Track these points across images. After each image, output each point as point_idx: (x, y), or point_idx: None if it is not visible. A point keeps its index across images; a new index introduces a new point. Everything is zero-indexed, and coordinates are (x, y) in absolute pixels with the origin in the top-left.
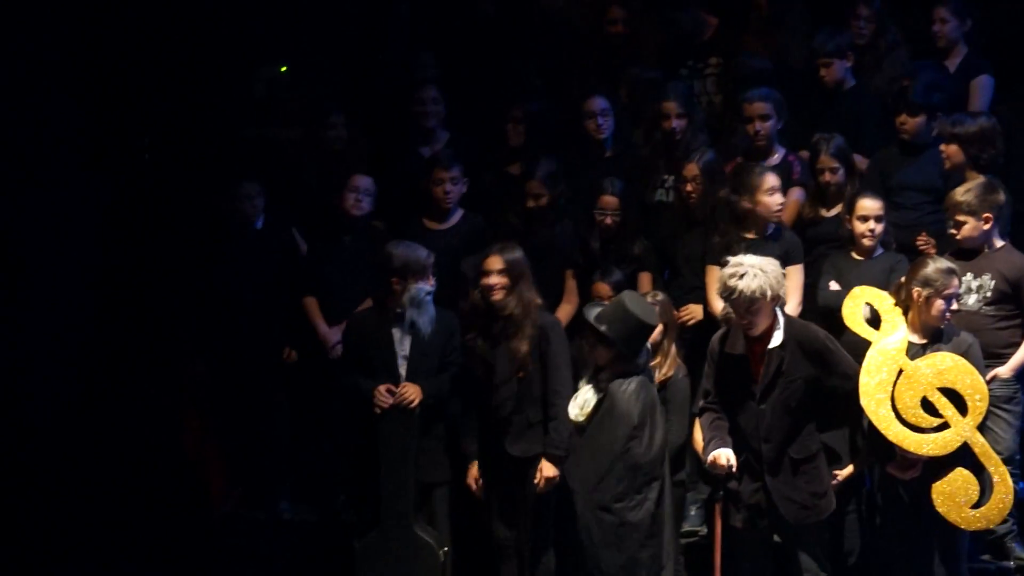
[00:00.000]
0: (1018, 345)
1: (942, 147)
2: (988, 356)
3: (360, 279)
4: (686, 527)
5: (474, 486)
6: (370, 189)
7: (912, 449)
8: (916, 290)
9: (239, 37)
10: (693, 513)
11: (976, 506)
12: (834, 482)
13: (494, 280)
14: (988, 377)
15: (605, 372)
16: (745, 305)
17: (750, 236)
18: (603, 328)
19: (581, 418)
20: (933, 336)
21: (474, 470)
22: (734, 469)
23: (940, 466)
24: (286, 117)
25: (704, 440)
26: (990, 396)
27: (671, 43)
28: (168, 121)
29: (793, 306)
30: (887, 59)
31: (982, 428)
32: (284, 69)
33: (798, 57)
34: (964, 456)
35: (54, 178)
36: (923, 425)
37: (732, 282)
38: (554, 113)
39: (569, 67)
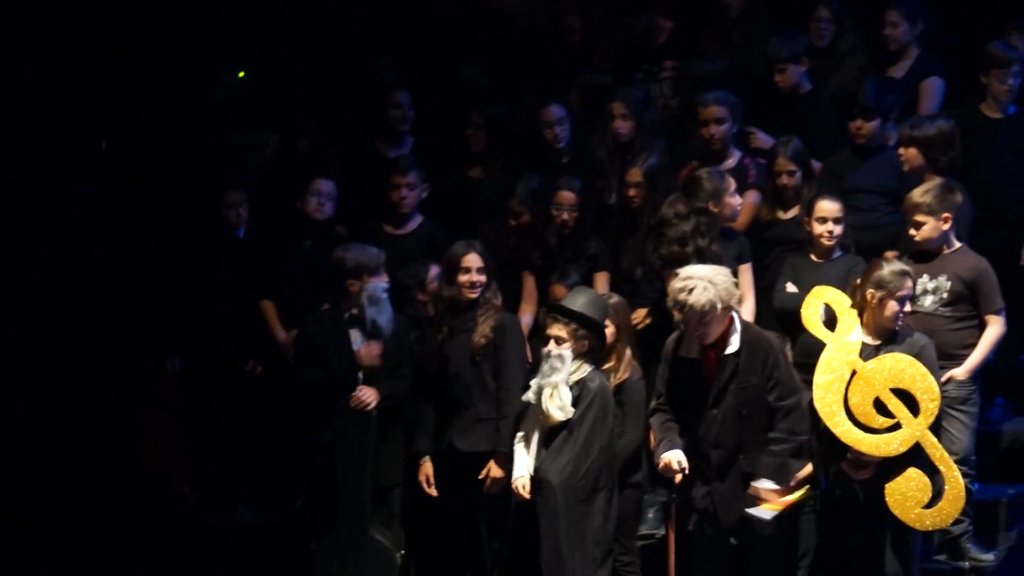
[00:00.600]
0: (974, 346)
1: (901, 151)
2: (944, 357)
3: (322, 283)
4: (643, 530)
5: (425, 484)
6: (332, 193)
7: (864, 450)
8: (870, 292)
9: (198, 43)
10: (651, 516)
11: (928, 506)
12: (791, 483)
13: (475, 277)
14: (944, 378)
15: (578, 364)
16: (696, 318)
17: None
18: (591, 314)
19: (568, 414)
20: (887, 337)
21: (426, 468)
22: (685, 471)
23: (893, 466)
24: (246, 122)
25: (655, 442)
26: (946, 397)
27: (626, 47)
28: (128, 126)
29: (748, 307)
30: (846, 61)
31: (937, 429)
32: (242, 75)
33: (757, 60)
34: (917, 457)
35: (29, 182)
36: (875, 426)
37: (682, 296)
38: (512, 118)
39: (526, 72)
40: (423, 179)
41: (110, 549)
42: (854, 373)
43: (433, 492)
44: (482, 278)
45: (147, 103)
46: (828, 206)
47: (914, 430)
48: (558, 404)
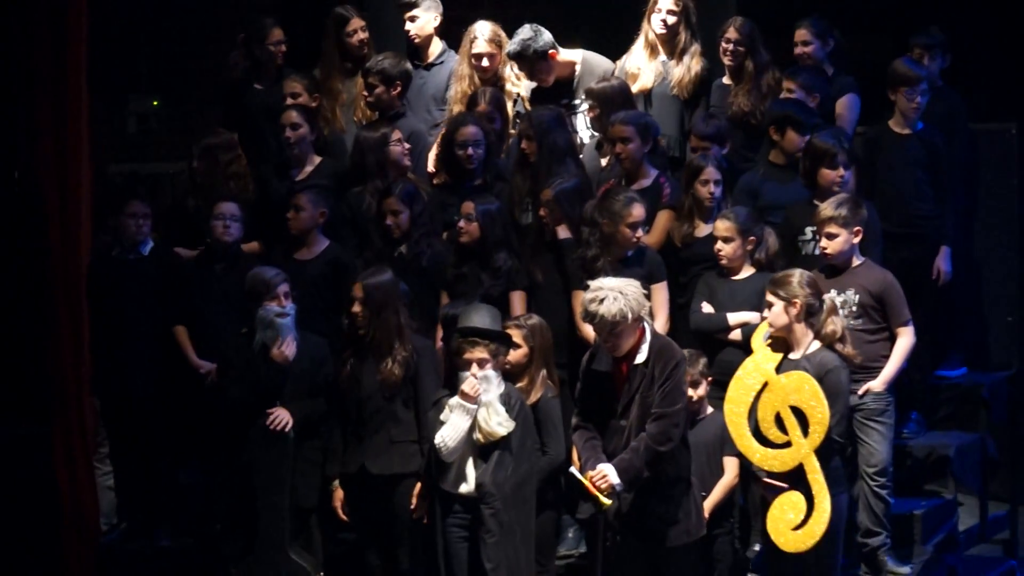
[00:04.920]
0: (887, 358)
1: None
2: (860, 370)
3: (233, 307)
4: (563, 551)
5: (339, 509)
6: (236, 214)
7: (756, 462)
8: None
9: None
10: (571, 535)
11: (797, 528)
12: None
13: (355, 308)
14: (861, 391)
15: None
16: (607, 328)
17: (610, 259)
18: (497, 327)
19: (510, 427)
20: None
21: (339, 492)
22: (616, 487)
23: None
24: (161, 151)
25: (581, 460)
26: (864, 409)
27: None
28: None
29: (661, 323)
30: (757, 80)
31: (856, 440)
32: (156, 103)
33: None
34: (802, 478)
35: None
36: (773, 440)
37: (592, 307)
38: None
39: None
40: (320, 202)
41: None
42: (766, 384)
43: (343, 516)
44: (360, 308)
45: (61, 132)
46: (719, 224)
47: (799, 451)
48: (497, 420)
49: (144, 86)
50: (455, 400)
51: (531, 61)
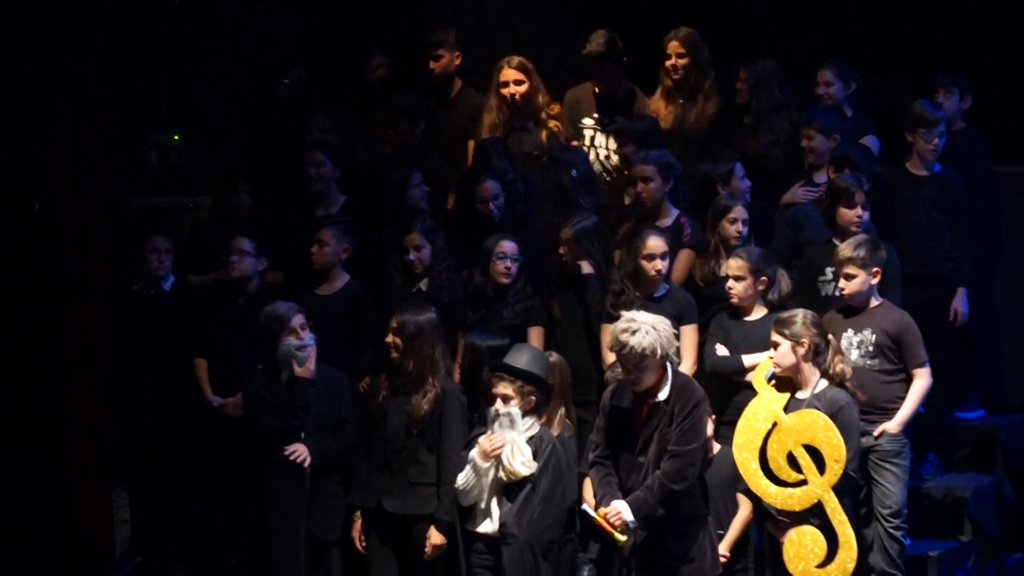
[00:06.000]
0: (903, 399)
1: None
2: (876, 411)
3: (255, 340)
4: None
5: (357, 541)
6: (246, 249)
7: (769, 501)
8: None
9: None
10: (585, 574)
11: (821, 566)
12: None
13: (388, 339)
14: (876, 432)
15: (530, 421)
16: (634, 361)
17: (639, 296)
18: (535, 371)
19: (532, 468)
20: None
21: (358, 524)
22: (630, 525)
23: (799, 522)
24: (181, 185)
25: (596, 496)
26: (879, 451)
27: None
28: (59, 190)
29: (688, 366)
30: (768, 121)
31: (871, 481)
32: (177, 137)
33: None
34: (820, 515)
35: None
36: (786, 479)
37: (624, 337)
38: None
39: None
40: (343, 238)
41: None
42: (775, 424)
43: (359, 547)
44: (395, 339)
45: (81, 166)
46: (731, 263)
47: (816, 489)
48: (520, 460)
49: (165, 120)
50: (474, 452)
51: (613, 61)
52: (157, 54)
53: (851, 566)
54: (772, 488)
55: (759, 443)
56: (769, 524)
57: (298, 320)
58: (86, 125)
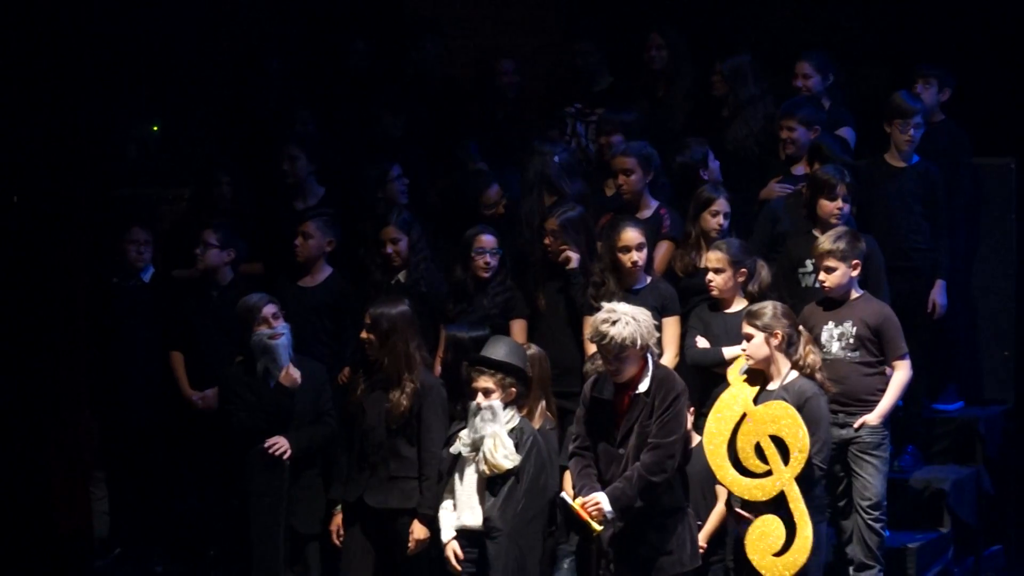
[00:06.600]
0: (884, 391)
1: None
2: (856, 403)
3: (230, 332)
4: None
5: (334, 535)
6: (212, 241)
7: (735, 491)
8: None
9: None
10: (566, 566)
11: (779, 554)
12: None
13: (363, 334)
14: (857, 424)
15: (510, 413)
16: (614, 352)
17: (619, 287)
18: (514, 362)
19: (515, 461)
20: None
21: (337, 519)
22: (608, 516)
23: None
24: (160, 176)
25: (575, 488)
26: (859, 443)
27: (568, 78)
28: (38, 181)
29: (669, 358)
30: (745, 112)
31: (851, 473)
32: (156, 128)
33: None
34: (783, 506)
35: None
36: (753, 470)
37: (604, 328)
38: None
39: (446, 123)
40: (328, 231)
41: None
42: (744, 415)
43: (336, 541)
44: (369, 335)
45: (60, 157)
46: (710, 255)
47: (780, 479)
48: (503, 453)
49: (144, 111)
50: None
51: None
52: (136, 45)
53: (802, 558)
54: (739, 478)
55: (728, 434)
56: (731, 517)
57: (270, 310)
58: (65, 117)
